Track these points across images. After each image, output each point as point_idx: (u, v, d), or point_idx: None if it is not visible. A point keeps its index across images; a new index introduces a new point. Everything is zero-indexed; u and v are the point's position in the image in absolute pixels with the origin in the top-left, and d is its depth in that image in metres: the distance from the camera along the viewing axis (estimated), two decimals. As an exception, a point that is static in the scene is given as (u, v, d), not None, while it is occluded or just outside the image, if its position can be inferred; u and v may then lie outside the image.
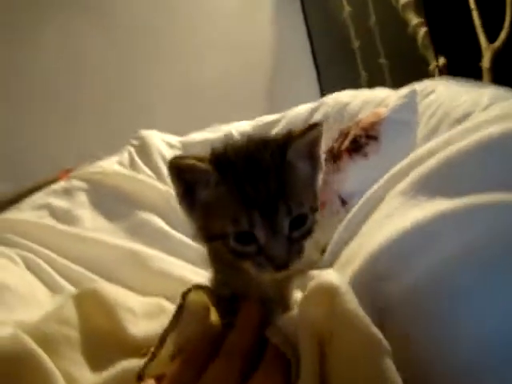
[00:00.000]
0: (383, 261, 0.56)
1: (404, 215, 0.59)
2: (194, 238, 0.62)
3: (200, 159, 0.57)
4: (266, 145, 0.58)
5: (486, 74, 1.84)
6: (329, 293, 0.49)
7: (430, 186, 0.61)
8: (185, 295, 0.61)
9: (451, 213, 0.54)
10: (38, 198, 1.91)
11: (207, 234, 0.59)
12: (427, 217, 0.55)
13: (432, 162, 0.63)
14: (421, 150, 0.71)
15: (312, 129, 0.58)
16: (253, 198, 0.54)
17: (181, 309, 0.61)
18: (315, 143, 0.61)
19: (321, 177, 0.64)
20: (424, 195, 0.60)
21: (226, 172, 0.56)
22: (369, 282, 0.55)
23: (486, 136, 0.61)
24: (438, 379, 0.45)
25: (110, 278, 1.29)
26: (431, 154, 0.67)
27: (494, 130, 0.62)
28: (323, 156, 0.63)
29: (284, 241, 0.54)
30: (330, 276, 0.51)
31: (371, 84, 2.45)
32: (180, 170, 0.57)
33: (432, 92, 1.49)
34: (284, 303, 0.63)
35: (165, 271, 1.33)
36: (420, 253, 0.53)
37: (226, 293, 0.62)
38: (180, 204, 0.60)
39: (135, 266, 1.39)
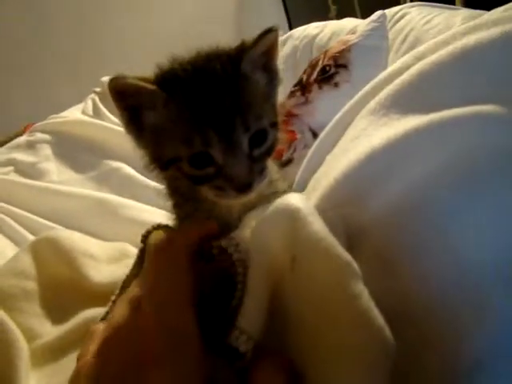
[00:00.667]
0: (349, 184, 0.52)
1: (372, 135, 0.55)
2: (146, 170, 0.55)
3: (143, 79, 0.50)
4: (218, 57, 0.52)
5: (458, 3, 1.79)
6: (289, 215, 0.45)
7: (402, 102, 0.57)
8: (145, 238, 0.57)
9: (426, 128, 0.50)
10: (2, 153, 1.86)
11: (160, 161, 0.53)
12: (399, 134, 0.50)
13: (404, 78, 0.59)
14: (391, 68, 0.66)
15: (266, 35, 0.52)
16: (205, 114, 0.48)
17: (143, 253, 0.56)
18: (271, 53, 0.55)
19: (279, 91, 0.58)
20: (395, 113, 0.56)
21: (174, 90, 0.50)
22: (334, 207, 0.52)
23: (460, 47, 0.57)
24: (416, 300, 0.43)
25: (78, 229, 1.24)
26: (402, 70, 0.62)
27: (468, 40, 0.57)
28: (281, 67, 0.57)
29: (244, 159, 0.49)
30: (290, 198, 0.46)
31: (341, 18, 2.38)
32: (122, 93, 0.51)
33: (403, 17, 1.44)
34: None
35: (135, 218, 1.29)
36: (392, 173, 0.49)
37: None
38: (127, 132, 0.54)
39: (104, 215, 1.35)
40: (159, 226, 0.58)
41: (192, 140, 0.48)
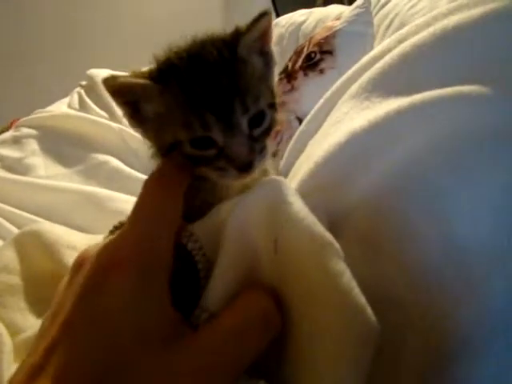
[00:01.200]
0: (330, 168, 0.52)
1: (354, 119, 0.55)
2: (154, 160, 0.56)
3: (136, 75, 0.51)
4: (213, 43, 0.52)
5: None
6: (270, 196, 0.45)
7: (384, 85, 0.57)
8: (117, 229, 0.57)
9: (408, 109, 0.49)
10: (-13, 149, 1.83)
11: (163, 149, 0.54)
12: (379, 116, 0.50)
13: (385, 61, 0.58)
14: (373, 52, 0.65)
15: (260, 19, 0.52)
16: (203, 98, 0.48)
17: None
18: (266, 37, 0.55)
19: (275, 73, 0.59)
20: (377, 96, 0.56)
21: (170, 79, 0.50)
22: (315, 191, 0.52)
23: (441, 28, 0.56)
24: (403, 283, 0.44)
25: (66, 224, 1.23)
26: (384, 54, 0.61)
27: (449, 21, 0.57)
28: (275, 50, 0.58)
29: (244, 139, 0.50)
30: (271, 181, 0.48)
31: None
32: (118, 92, 0.52)
33: (388, 2, 1.43)
34: None
35: (123, 211, 1.27)
36: (374, 155, 0.49)
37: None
38: (131, 125, 0.55)
39: (92, 209, 1.35)
40: None
41: (191, 124, 0.49)
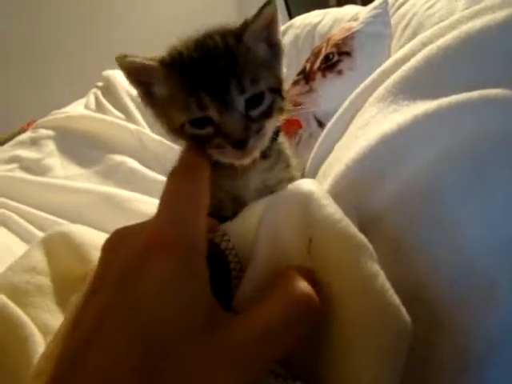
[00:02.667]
0: (361, 170, 0.53)
1: (382, 122, 0.55)
2: (169, 139, 0.60)
3: (151, 58, 0.55)
4: (222, 32, 0.55)
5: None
6: (302, 198, 0.46)
7: (410, 88, 0.57)
8: None
9: (435, 112, 0.50)
10: (5, 151, 1.85)
11: (173, 131, 0.57)
12: (408, 119, 0.51)
13: (411, 64, 0.59)
14: (397, 55, 0.66)
15: (264, 7, 0.55)
16: (201, 80, 0.51)
17: None
18: (272, 26, 0.58)
19: (284, 63, 0.61)
20: (404, 99, 0.56)
21: (175, 63, 0.54)
22: (345, 194, 0.52)
23: (466, 31, 0.57)
24: (432, 284, 0.44)
25: (85, 224, 1.24)
26: (409, 56, 0.62)
27: (474, 24, 0.57)
28: (283, 42, 0.60)
29: (239, 117, 0.52)
30: (303, 183, 0.48)
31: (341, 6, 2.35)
32: (129, 71, 0.56)
33: (405, 2, 1.43)
34: None
35: (141, 211, 1.30)
36: (403, 159, 0.50)
37: None
38: (143, 104, 0.59)
39: (111, 209, 1.36)
40: None
41: (190, 105, 0.52)
